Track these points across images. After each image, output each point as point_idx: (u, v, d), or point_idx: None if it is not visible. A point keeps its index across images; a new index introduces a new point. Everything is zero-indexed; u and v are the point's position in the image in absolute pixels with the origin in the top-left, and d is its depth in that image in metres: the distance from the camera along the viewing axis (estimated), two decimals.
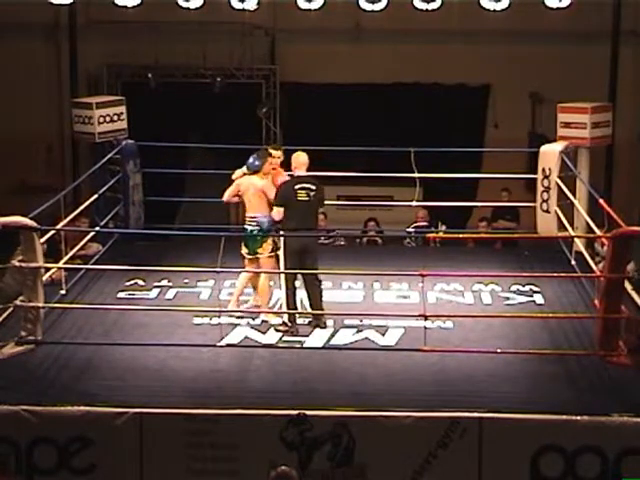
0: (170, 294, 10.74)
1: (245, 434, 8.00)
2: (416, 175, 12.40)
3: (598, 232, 10.56)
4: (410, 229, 13.32)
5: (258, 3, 12.72)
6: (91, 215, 12.39)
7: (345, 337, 9.57)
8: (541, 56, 15.07)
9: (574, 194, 11.92)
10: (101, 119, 12.71)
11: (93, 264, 11.27)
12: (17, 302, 9.22)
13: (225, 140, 13.02)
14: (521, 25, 14.44)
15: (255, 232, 9.87)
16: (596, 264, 10.50)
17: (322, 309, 9.81)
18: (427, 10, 12.44)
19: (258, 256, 9.93)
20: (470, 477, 8.01)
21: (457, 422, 7.96)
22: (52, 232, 10.04)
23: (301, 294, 9.88)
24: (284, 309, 9.74)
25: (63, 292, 10.50)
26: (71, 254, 10.83)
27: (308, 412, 8.00)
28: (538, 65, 15.15)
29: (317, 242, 10.32)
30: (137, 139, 12.87)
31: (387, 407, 8.09)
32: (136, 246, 12.22)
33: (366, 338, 9.55)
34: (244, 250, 10.00)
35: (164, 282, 10.98)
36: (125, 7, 12.81)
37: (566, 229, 11.77)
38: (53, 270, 10.13)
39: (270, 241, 9.88)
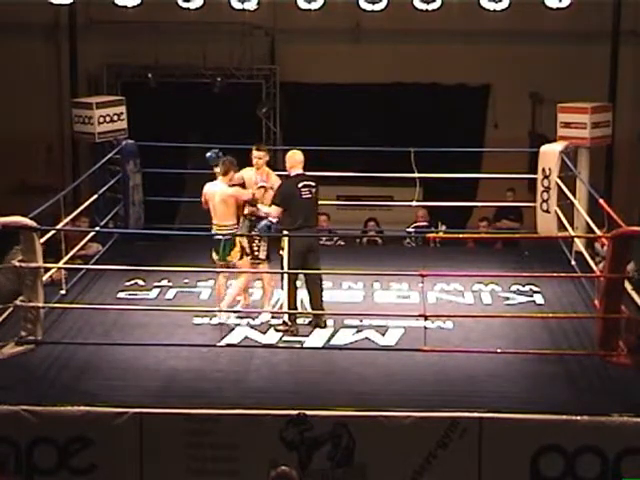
0: (170, 294, 10.74)
1: (245, 434, 8.00)
2: (416, 175, 12.40)
3: (598, 232, 10.56)
4: (410, 229, 13.32)
5: (258, 3, 12.72)
6: (91, 215, 12.39)
7: (345, 337, 9.57)
8: (541, 56, 15.07)
9: (574, 194, 11.91)
10: (101, 119, 12.71)
11: (93, 264, 11.27)
12: (17, 302, 9.22)
13: (225, 140, 12.95)
14: (521, 25, 14.44)
15: (224, 239, 9.71)
16: (596, 264, 10.49)
17: (322, 308, 9.81)
18: (427, 10, 12.44)
19: (229, 262, 9.82)
20: (470, 477, 8.01)
21: (457, 422, 7.95)
22: (52, 232, 10.04)
23: (301, 294, 9.89)
24: (284, 309, 9.74)
25: (63, 292, 10.50)
26: (71, 254, 10.83)
27: (308, 412, 8.00)
28: (538, 65, 15.15)
29: (319, 240, 10.34)
30: (137, 139, 12.87)
31: (387, 407, 8.09)
32: (136, 246, 12.22)
33: (366, 338, 9.55)
34: (215, 256, 9.87)
35: (164, 282, 10.98)
36: (125, 7, 12.80)
37: (566, 229, 11.77)
38: (53, 270, 10.13)
39: (239, 247, 9.79)
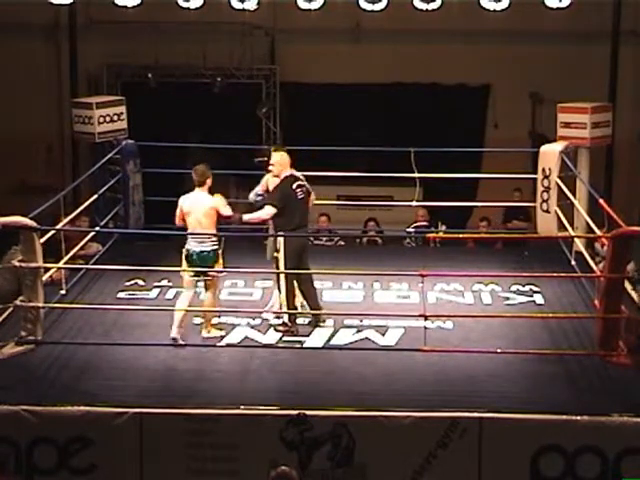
0: (170, 294, 10.74)
1: (245, 434, 8.00)
2: (416, 175, 12.40)
3: (598, 232, 10.56)
4: (410, 229, 13.32)
5: (258, 3, 12.71)
6: (91, 215, 12.39)
7: (345, 337, 9.57)
8: (541, 56, 15.07)
9: (574, 194, 11.91)
10: (101, 119, 12.71)
11: (93, 264, 11.28)
12: (17, 302, 9.22)
13: (225, 140, 13.03)
14: (521, 25, 14.44)
15: (210, 253, 9.40)
16: (596, 264, 10.49)
17: (320, 306, 9.81)
18: (427, 10, 12.44)
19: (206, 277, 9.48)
20: (470, 477, 8.01)
21: (457, 422, 7.95)
22: (52, 232, 10.04)
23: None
24: (284, 309, 9.74)
25: (63, 292, 10.51)
26: (71, 254, 10.83)
27: (308, 412, 8.00)
28: (538, 65, 15.16)
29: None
30: (137, 139, 12.87)
31: (387, 407, 8.09)
32: (136, 246, 12.22)
33: (366, 338, 9.55)
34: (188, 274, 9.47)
35: (164, 282, 10.99)
36: (125, 7, 12.80)
37: (566, 229, 11.77)
38: (53, 270, 10.13)
39: (221, 261, 9.49)
